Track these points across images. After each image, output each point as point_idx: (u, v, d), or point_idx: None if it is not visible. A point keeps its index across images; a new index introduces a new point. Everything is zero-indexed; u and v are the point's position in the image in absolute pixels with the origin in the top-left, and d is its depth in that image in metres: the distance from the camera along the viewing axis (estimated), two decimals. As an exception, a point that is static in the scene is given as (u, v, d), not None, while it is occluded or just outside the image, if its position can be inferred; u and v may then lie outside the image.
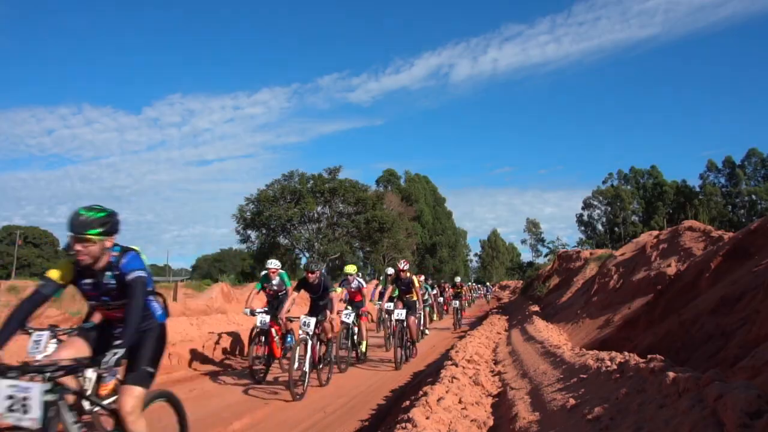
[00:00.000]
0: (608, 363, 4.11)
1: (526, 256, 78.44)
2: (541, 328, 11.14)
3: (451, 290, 19.99)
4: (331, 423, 5.52)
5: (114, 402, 3.04)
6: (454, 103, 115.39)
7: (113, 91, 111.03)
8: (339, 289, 9.52)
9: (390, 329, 10.34)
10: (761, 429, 1.84)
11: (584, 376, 4.24)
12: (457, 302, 18.21)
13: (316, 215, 39.03)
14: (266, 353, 7.79)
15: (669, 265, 10.42)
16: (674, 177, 70.69)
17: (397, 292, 10.06)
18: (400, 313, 9.19)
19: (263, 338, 7.78)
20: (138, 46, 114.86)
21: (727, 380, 2.35)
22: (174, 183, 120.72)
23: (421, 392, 4.98)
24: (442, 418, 3.97)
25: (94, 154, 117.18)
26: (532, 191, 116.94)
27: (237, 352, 9.69)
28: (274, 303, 8.28)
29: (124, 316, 2.97)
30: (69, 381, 2.80)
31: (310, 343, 6.64)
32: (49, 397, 2.49)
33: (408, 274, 9.79)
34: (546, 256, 62.36)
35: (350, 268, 10.05)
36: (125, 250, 3.12)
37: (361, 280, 9.99)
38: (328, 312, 7.12)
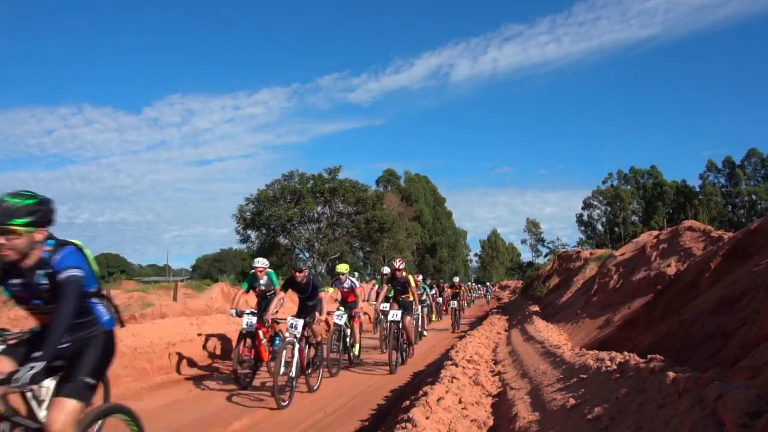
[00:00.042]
0: (608, 363, 4.11)
1: (526, 256, 78.45)
2: (541, 328, 11.15)
3: (449, 290, 19.39)
4: (331, 423, 5.52)
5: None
6: (454, 103, 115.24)
7: (113, 91, 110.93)
8: (331, 289, 9.44)
9: (386, 330, 10.01)
10: (761, 429, 1.84)
11: (584, 376, 4.24)
12: (455, 302, 17.70)
13: (316, 215, 39.02)
14: (252, 357, 7.44)
15: (669, 265, 10.43)
16: (674, 177, 70.74)
17: (392, 293, 9.68)
18: (395, 314, 8.84)
19: (250, 341, 7.42)
20: (138, 46, 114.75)
21: (727, 380, 2.35)
22: (174, 183, 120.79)
23: (421, 392, 4.98)
24: (442, 418, 3.97)
25: (94, 154, 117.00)
26: (532, 191, 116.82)
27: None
28: (263, 304, 7.95)
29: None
30: (15, 398, 2.49)
31: (297, 346, 6.33)
32: None
33: (404, 274, 9.39)
34: (546, 256, 62.30)
35: (342, 267, 9.66)
36: (61, 245, 2.69)
37: (354, 280, 9.59)
38: (317, 313, 6.79)
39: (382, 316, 10.45)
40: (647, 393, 2.88)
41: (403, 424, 3.74)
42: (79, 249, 2.79)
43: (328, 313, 8.33)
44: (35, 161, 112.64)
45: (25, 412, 2.61)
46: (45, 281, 2.63)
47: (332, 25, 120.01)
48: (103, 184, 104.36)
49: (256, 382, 7.20)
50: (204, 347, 9.00)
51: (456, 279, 21.18)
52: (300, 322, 6.42)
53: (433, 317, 18.84)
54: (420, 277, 16.00)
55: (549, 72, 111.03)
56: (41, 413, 2.61)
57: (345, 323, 8.64)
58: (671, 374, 2.72)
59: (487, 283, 49.50)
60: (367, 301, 12.27)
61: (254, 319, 7.25)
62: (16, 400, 2.59)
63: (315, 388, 6.92)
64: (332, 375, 7.96)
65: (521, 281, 50.13)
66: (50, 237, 2.69)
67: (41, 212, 2.58)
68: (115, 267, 75.57)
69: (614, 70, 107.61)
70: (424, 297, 14.54)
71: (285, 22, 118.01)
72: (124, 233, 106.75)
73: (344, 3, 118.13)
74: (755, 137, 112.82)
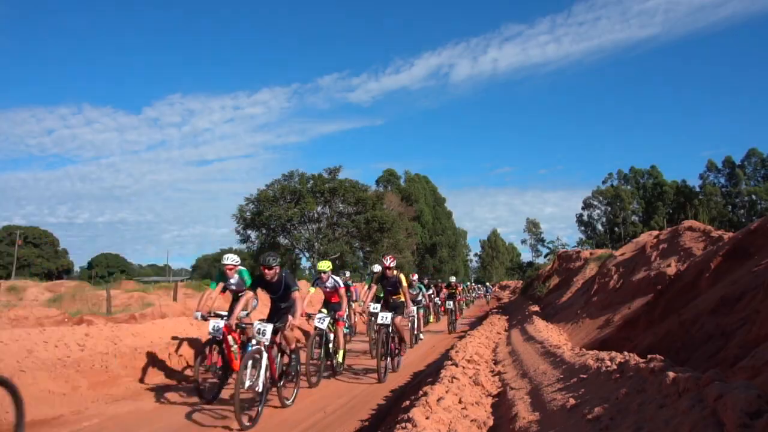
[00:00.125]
0: (608, 363, 4.11)
1: (526, 256, 78.42)
2: (541, 328, 11.14)
3: (445, 291, 18.34)
4: (331, 423, 5.52)
5: None
6: (454, 103, 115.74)
7: (113, 91, 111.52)
8: (312, 290, 8.67)
9: (375, 333, 9.23)
10: (761, 429, 1.84)
11: (584, 376, 4.24)
12: (452, 303, 16.73)
13: (316, 215, 39.02)
14: (219, 366, 6.64)
15: (669, 265, 10.43)
16: (674, 177, 70.90)
17: (382, 293, 8.90)
18: (384, 317, 8.02)
19: (217, 348, 6.62)
20: (138, 46, 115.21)
21: (727, 380, 2.35)
22: (174, 183, 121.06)
23: (421, 392, 4.98)
24: (442, 418, 3.96)
25: (94, 154, 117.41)
26: (532, 191, 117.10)
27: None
28: (234, 306, 6.96)
29: None
30: None
31: (265, 355, 5.52)
32: None
33: (395, 272, 8.57)
34: (546, 256, 62.11)
35: (323, 265, 8.71)
36: None
37: (337, 279, 8.74)
38: (289, 317, 5.98)
39: (373, 319, 9.62)
40: (647, 393, 2.88)
41: (403, 424, 3.74)
42: None
43: (309, 316, 7.72)
44: (35, 161, 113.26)
45: None
46: None
47: (332, 25, 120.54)
48: (103, 184, 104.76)
49: (225, 394, 6.32)
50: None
51: (452, 279, 20.14)
52: (269, 328, 5.62)
53: (431, 318, 18.28)
54: (415, 277, 15.18)
55: (549, 72, 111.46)
56: None
57: (328, 327, 7.86)
58: (671, 374, 2.71)
59: (487, 284, 49.44)
60: (355, 301, 11.72)
61: (221, 323, 6.42)
62: None
63: (289, 402, 6.12)
64: (311, 385, 7.15)
65: (521, 281, 50.11)
66: None
67: None
68: (115, 267, 75.64)
69: (614, 70, 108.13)
70: (419, 297, 13.89)
71: (285, 22, 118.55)
72: (124, 233, 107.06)
73: (344, 3, 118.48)
74: (755, 137, 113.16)
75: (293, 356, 6.35)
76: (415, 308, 12.30)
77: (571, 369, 4.87)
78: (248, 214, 37.99)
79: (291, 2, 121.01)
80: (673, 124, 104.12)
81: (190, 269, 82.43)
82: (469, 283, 40.40)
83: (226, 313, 6.91)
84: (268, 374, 5.57)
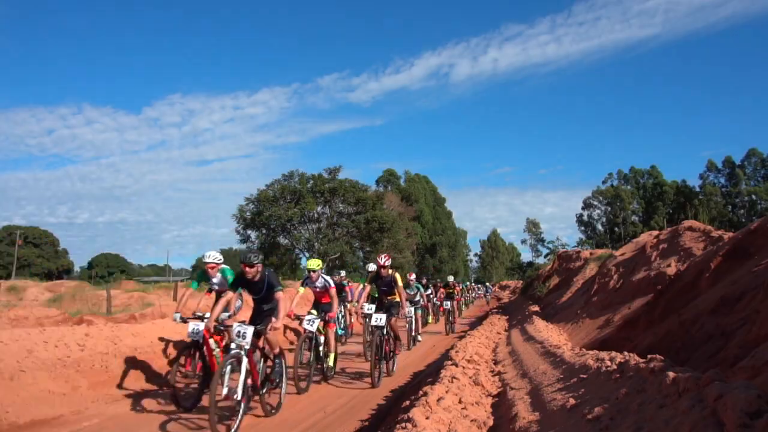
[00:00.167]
0: (608, 363, 4.11)
1: (526, 256, 78.51)
2: (541, 328, 11.14)
3: (442, 290, 17.70)
4: (331, 423, 5.52)
5: None
6: (454, 103, 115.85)
7: (113, 91, 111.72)
8: (302, 290, 8.24)
9: (369, 335, 8.79)
10: (761, 429, 1.84)
11: (584, 376, 4.24)
12: (449, 304, 16.08)
13: (316, 215, 39.01)
14: (200, 371, 6.25)
15: (669, 265, 10.43)
16: (674, 177, 70.95)
17: (377, 293, 8.49)
18: (378, 318, 7.65)
19: (197, 352, 6.23)
20: (138, 46, 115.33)
21: (727, 380, 2.35)
22: (174, 183, 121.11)
23: (421, 392, 4.98)
24: (442, 418, 3.97)
25: (94, 154, 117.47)
26: (532, 191, 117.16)
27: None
28: (215, 306, 6.39)
29: None
30: None
31: (245, 360, 5.11)
32: None
33: (390, 271, 8.19)
34: (546, 256, 62.23)
35: (313, 263, 8.16)
36: None
37: (328, 278, 8.20)
38: (273, 319, 5.52)
39: (367, 320, 9.25)
40: (647, 393, 2.88)
41: (403, 424, 3.74)
42: None
43: (298, 318, 7.47)
44: (35, 161, 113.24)
45: None
46: None
47: (332, 25, 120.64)
48: (103, 184, 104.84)
49: (206, 401, 5.46)
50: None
51: (450, 278, 19.57)
52: (249, 330, 5.22)
53: (429, 319, 17.84)
54: (413, 276, 14.53)
55: (549, 72, 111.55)
56: None
57: (318, 329, 7.50)
58: (671, 374, 2.71)
59: (487, 284, 49.47)
60: (351, 302, 11.61)
61: (201, 326, 6.06)
62: None
63: (273, 411, 5.76)
64: (300, 391, 6.73)
65: (521, 281, 50.16)
66: None
67: None
68: (115, 267, 75.67)
69: (614, 70, 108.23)
70: (417, 297, 13.38)
71: (285, 22, 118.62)
72: (124, 233, 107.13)
73: (344, 3, 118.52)
74: (755, 137, 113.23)
75: (277, 361, 5.91)
76: (412, 309, 12.12)
77: (571, 369, 4.87)
78: (248, 214, 37.99)
79: (291, 2, 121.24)
80: (673, 124, 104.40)
81: (190, 269, 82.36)
82: (468, 283, 40.36)
83: (201, 314, 6.53)
84: (249, 381, 5.18)
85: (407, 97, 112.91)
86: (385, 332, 7.70)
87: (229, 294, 6.10)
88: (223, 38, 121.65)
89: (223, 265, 6.98)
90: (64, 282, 35.27)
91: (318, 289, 8.23)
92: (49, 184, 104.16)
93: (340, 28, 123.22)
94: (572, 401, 3.56)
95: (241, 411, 5.04)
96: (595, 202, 72.22)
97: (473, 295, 37.12)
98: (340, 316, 11.68)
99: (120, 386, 6.78)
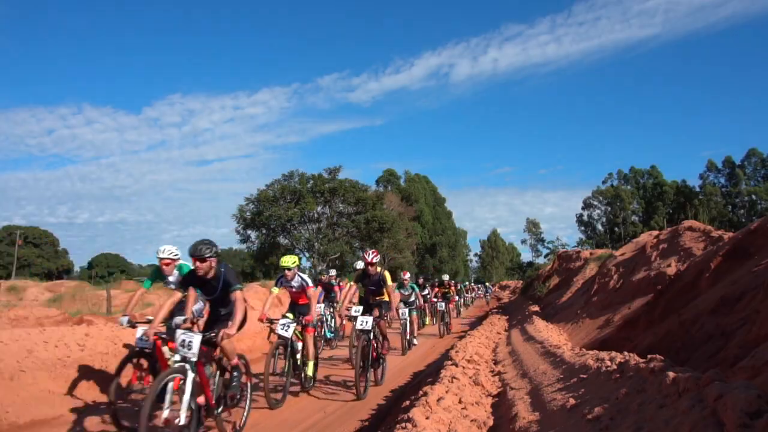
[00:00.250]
0: (608, 363, 4.11)
1: (526, 256, 78.59)
2: (541, 328, 11.14)
3: (436, 290, 16.67)
4: (331, 423, 5.53)
5: None
6: (454, 103, 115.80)
7: (113, 91, 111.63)
8: (276, 290, 7.22)
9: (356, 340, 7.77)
10: (761, 429, 1.84)
11: (584, 376, 4.24)
12: (443, 305, 15.14)
13: (316, 215, 39.03)
14: (147, 384, 5.50)
15: (669, 265, 10.43)
16: (674, 177, 70.99)
17: (364, 293, 7.88)
18: (364, 322, 6.97)
19: (146, 361, 5.42)
20: (138, 46, 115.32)
21: (727, 380, 2.35)
22: (174, 183, 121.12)
23: (421, 392, 4.98)
24: (442, 418, 3.97)
25: (94, 154, 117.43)
26: (532, 191, 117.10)
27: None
28: (176, 308, 5.39)
29: None
30: None
31: (191, 375, 4.19)
32: None
33: (378, 269, 7.55)
34: (546, 256, 62.34)
35: (287, 260, 7.06)
36: None
37: (305, 277, 7.17)
38: (229, 323, 4.63)
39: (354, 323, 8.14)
40: (647, 393, 2.88)
41: (403, 424, 3.74)
42: None
43: (271, 321, 6.69)
44: (35, 161, 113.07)
45: None
46: None
47: (332, 25, 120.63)
48: (103, 184, 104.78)
49: (159, 420, 4.34)
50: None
51: (446, 277, 18.29)
52: (196, 339, 4.29)
53: (427, 320, 17.08)
54: (407, 275, 13.68)
55: (549, 72, 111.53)
56: None
57: (294, 334, 6.64)
58: (671, 374, 2.72)
59: (487, 284, 49.47)
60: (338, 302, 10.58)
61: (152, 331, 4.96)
62: None
63: (238, 430, 5.01)
64: (272, 406, 5.96)
65: (521, 281, 50.15)
66: None
67: None
68: (115, 267, 75.69)
69: (614, 70, 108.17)
70: (412, 298, 12.62)
71: (285, 22, 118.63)
72: (124, 233, 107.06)
73: (344, 3, 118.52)
74: (755, 137, 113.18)
75: (235, 374, 5.01)
76: (407, 310, 11.73)
77: (571, 369, 4.87)
78: (248, 214, 38.02)
79: (291, 2, 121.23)
80: (673, 124, 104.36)
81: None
82: (467, 283, 40.37)
83: (152, 319, 5.49)
84: (200, 400, 4.37)
85: (407, 97, 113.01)
86: (372, 336, 7.04)
87: (177, 295, 5.21)
88: (223, 38, 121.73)
89: (181, 261, 5.97)
90: (64, 282, 35.23)
91: (294, 289, 7.24)
92: (49, 184, 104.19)
93: (340, 28, 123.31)
94: (572, 401, 3.56)
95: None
96: (595, 202, 72.27)
97: (472, 295, 37.12)
98: (329, 318, 11.40)
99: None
